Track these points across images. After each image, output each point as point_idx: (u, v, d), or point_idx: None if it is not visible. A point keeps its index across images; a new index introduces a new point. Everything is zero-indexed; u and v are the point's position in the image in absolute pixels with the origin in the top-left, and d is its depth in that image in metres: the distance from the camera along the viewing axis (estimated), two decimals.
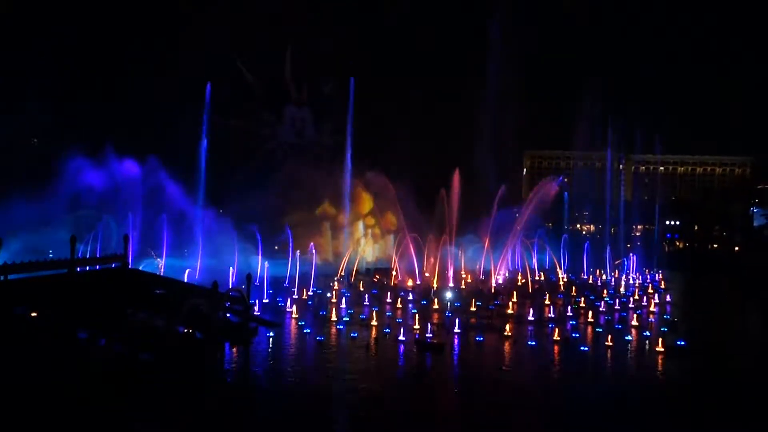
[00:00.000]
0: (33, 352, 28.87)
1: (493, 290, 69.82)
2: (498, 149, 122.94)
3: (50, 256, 59.41)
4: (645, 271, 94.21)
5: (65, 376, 27.47)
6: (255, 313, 45.23)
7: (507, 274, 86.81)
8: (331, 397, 31.72)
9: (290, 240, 76.34)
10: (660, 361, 40.62)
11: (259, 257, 65.20)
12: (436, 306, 57.63)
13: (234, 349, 36.87)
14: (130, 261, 43.79)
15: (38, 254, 49.37)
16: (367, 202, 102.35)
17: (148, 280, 39.83)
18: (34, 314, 32.72)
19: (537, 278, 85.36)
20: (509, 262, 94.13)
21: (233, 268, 63.96)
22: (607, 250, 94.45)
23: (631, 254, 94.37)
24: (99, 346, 31.27)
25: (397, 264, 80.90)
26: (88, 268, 41.95)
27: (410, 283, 74.45)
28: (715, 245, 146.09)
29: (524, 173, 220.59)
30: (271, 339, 42.22)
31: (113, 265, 39.34)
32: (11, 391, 25.76)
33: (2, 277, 33.05)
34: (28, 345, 29.56)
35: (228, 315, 35.48)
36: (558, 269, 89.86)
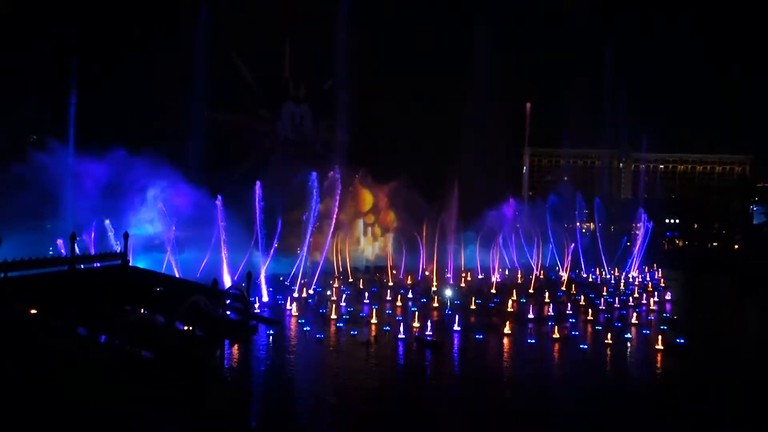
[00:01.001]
0: (32, 350, 28.83)
1: (493, 288, 69.87)
2: (497, 147, 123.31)
3: (50, 253, 59.54)
4: (645, 269, 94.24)
5: (65, 374, 27.45)
6: (255, 311, 45.23)
7: (507, 272, 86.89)
8: (331, 394, 31.71)
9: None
10: (659, 358, 40.66)
11: (268, 259, 64.90)
12: (435, 304, 57.67)
13: (234, 347, 36.90)
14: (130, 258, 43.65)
15: (39, 247, 49.58)
16: (367, 200, 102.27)
17: (149, 278, 39.78)
18: (33, 311, 32.65)
19: (537, 276, 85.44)
20: (507, 260, 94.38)
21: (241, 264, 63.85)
22: (594, 248, 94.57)
23: (635, 251, 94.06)
24: (99, 344, 31.22)
25: (392, 262, 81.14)
26: (87, 265, 41.83)
27: (410, 280, 74.47)
28: (715, 243, 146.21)
29: (524, 171, 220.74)
30: (271, 337, 42.29)
31: (114, 263, 39.33)
32: (11, 388, 25.75)
33: (2, 275, 33.01)
34: (28, 342, 29.51)
35: (228, 313, 35.43)
36: (558, 267, 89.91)
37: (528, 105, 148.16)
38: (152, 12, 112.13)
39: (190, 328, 33.15)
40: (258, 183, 67.42)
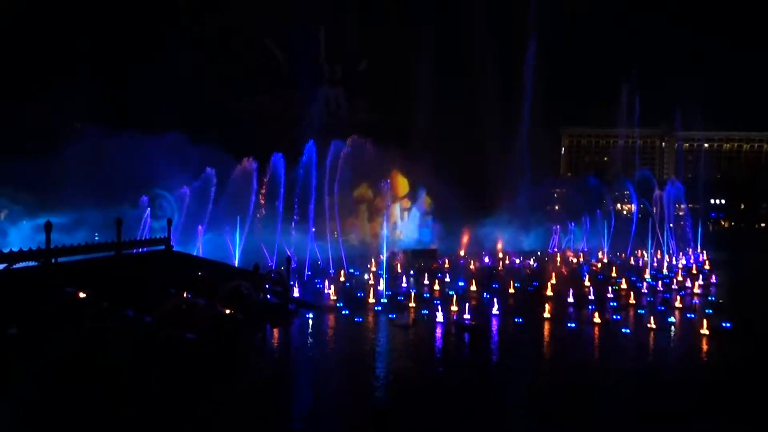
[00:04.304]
0: (82, 331, 29.87)
1: (529, 271, 69.25)
2: (535, 127, 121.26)
3: (96, 239, 61.35)
4: (688, 251, 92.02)
5: (112, 353, 28.37)
6: (295, 295, 45.85)
7: (546, 257, 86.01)
8: (369, 377, 32.02)
9: None
10: (704, 343, 39.76)
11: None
12: (473, 288, 57.44)
13: (275, 330, 37.50)
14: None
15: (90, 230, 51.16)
16: (403, 185, 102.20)
17: (192, 263, 40.72)
18: (82, 295, 33.75)
19: (577, 259, 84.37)
20: (546, 243, 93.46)
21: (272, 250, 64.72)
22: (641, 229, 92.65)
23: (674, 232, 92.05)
24: (144, 324, 32.14)
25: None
26: (134, 250, 43.00)
27: (447, 264, 74.26)
28: (763, 224, 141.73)
29: (563, 152, 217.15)
30: (310, 321, 42.83)
31: (158, 248, 40.35)
32: (62, 367, 26.75)
33: (52, 260, 34.17)
34: (78, 323, 30.58)
35: (269, 296, 36.05)
36: (601, 249, 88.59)
37: None
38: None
39: (232, 311, 33.87)
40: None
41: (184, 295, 35.63)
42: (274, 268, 51.22)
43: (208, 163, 72.04)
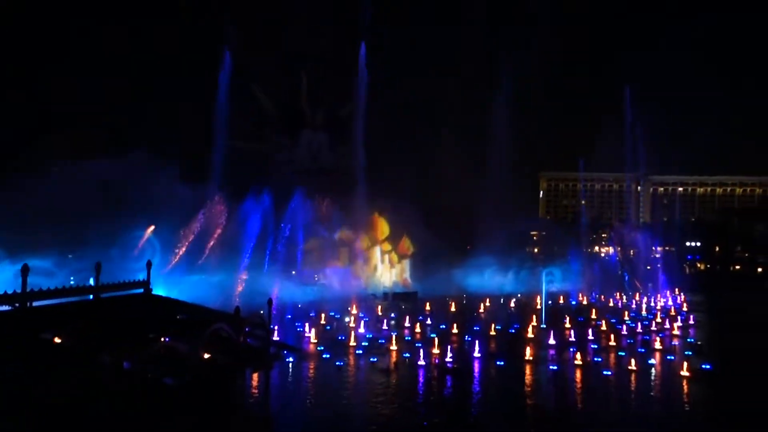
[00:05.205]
0: (58, 376, 29.15)
1: (511, 314, 69.26)
2: (513, 171, 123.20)
3: (71, 282, 60.22)
4: (666, 293, 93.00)
5: (89, 400, 27.67)
6: (276, 339, 45.27)
7: (526, 298, 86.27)
8: (352, 422, 31.55)
9: None
10: (685, 385, 39.93)
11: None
12: (455, 330, 57.27)
13: (255, 375, 36.92)
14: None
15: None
16: (383, 228, 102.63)
17: (171, 305, 40.19)
18: (58, 340, 33.04)
19: (557, 301, 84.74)
20: (526, 285, 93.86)
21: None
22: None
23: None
24: (122, 370, 31.47)
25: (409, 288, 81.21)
26: (110, 294, 42.37)
27: (428, 307, 74.02)
28: (737, 266, 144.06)
29: (541, 195, 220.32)
30: (290, 364, 42.25)
31: (136, 291, 39.83)
32: (38, 414, 26.01)
33: (28, 304, 33.55)
34: (53, 369, 29.86)
35: (249, 340, 35.61)
36: (579, 292, 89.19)
37: None
38: (176, 47, 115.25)
39: (212, 355, 33.33)
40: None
41: (163, 339, 35.06)
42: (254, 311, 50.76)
43: (199, 202, 72.60)
